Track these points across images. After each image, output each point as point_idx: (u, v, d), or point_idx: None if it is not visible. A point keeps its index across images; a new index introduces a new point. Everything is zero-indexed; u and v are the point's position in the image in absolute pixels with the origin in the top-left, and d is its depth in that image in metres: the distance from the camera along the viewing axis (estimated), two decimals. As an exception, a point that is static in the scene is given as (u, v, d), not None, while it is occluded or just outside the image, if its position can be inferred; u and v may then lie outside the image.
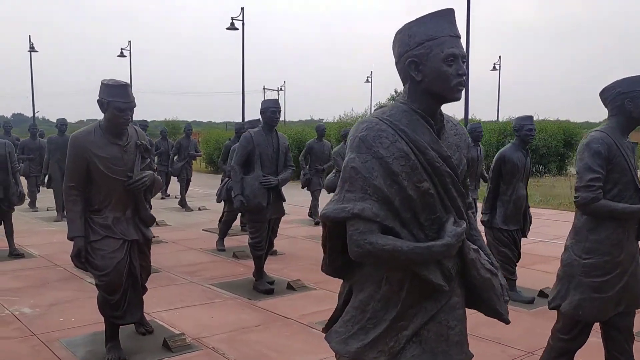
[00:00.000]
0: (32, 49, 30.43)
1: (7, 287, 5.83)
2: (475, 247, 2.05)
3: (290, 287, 5.77)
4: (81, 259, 3.79)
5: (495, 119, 34.52)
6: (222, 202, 8.17)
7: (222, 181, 8.29)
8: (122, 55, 31.98)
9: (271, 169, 5.59)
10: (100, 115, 3.95)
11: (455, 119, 2.15)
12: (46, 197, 12.32)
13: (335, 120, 34.75)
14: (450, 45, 1.85)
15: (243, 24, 23.06)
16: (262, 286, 5.65)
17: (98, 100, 3.84)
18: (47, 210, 11.68)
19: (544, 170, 20.29)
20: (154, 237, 4.21)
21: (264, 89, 57.89)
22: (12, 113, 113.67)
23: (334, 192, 2.09)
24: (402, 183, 1.83)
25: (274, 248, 7.26)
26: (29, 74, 30.28)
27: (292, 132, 21.49)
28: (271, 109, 5.53)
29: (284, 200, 5.77)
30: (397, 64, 1.97)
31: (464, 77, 1.89)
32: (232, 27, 22.88)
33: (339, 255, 2.05)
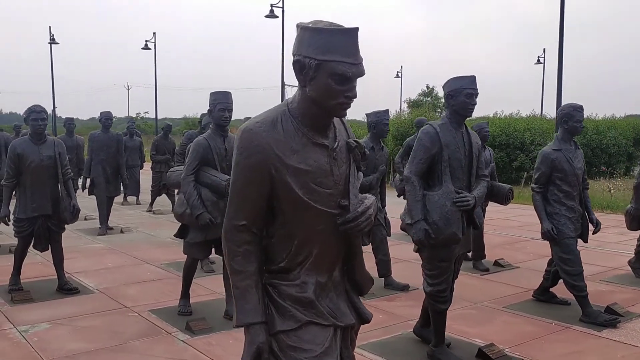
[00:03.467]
0: (52, 40, 28.76)
1: (70, 352, 4.04)
2: None
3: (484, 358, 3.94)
4: None
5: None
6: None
7: None
8: (146, 47, 30.26)
9: (463, 181, 3.75)
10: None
11: None
12: (82, 202, 10.57)
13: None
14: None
15: (283, 12, 21.22)
16: (447, 357, 3.84)
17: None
18: (86, 219, 9.90)
19: (610, 171, 18.19)
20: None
21: (282, 84, 56.05)
22: (24, 110, 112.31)
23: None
24: None
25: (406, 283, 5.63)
26: (45, 68, 28.63)
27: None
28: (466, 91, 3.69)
29: (477, 228, 3.93)
30: None
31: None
32: (271, 15, 21.04)
33: None
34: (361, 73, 1.95)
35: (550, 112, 25.17)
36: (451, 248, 3.70)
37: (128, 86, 74.14)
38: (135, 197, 12.56)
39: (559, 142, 4.82)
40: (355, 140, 2.14)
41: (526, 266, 6.78)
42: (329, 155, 2.02)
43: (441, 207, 3.63)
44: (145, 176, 13.06)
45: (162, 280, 6.02)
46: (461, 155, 3.72)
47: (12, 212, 5.37)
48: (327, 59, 1.84)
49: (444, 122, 3.76)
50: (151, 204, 11.55)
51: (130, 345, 4.14)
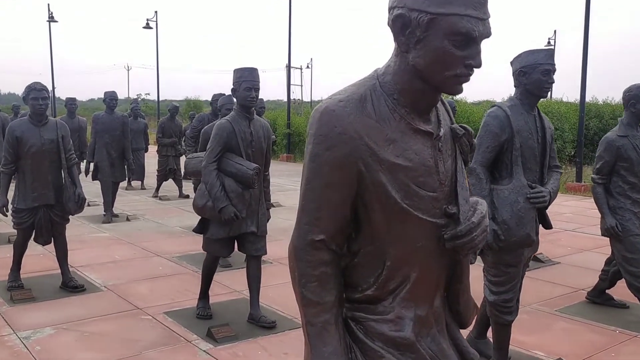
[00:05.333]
0: (51, 18, 27.89)
1: (77, 362, 3.54)
2: None
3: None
4: None
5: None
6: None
7: None
8: (147, 27, 29.43)
9: (536, 173, 3.21)
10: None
11: None
12: (85, 188, 10.04)
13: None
14: None
15: (290, -10, 20.41)
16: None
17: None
18: (89, 205, 9.32)
19: None
20: None
21: (287, 67, 55.24)
22: (22, 90, 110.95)
23: None
24: None
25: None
26: (44, 47, 27.82)
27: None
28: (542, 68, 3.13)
29: (549, 228, 3.39)
30: None
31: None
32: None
33: None
34: (489, 33, 1.41)
35: (570, 95, 24.48)
36: (521, 251, 3.18)
37: (128, 67, 72.98)
38: (140, 182, 12.03)
39: (624, 128, 4.28)
40: (461, 126, 1.61)
41: (566, 261, 6.28)
42: (433, 146, 1.48)
43: (512, 204, 3.09)
44: (150, 160, 12.51)
45: (176, 276, 5.51)
46: (534, 142, 3.17)
47: (10, 201, 4.84)
48: (446, 12, 1.33)
49: (514, 104, 3.21)
50: (157, 189, 11.02)
51: (146, 357, 3.64)
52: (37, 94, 4.74)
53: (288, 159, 19.88)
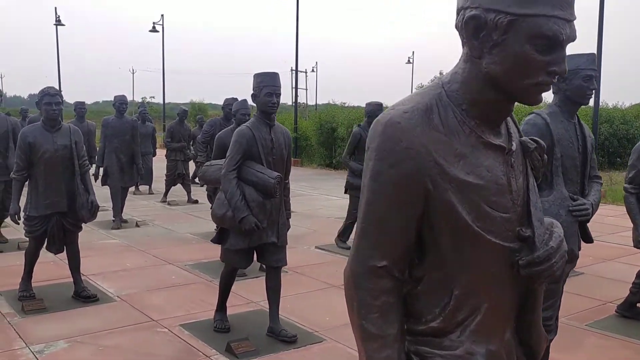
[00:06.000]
0: (58, 22, 27.88)
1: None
2: None
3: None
4: None
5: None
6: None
7: None
8: (154, 30, 29.36)
9: (577, 184, 3.06)
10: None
11: None
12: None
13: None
14: None
15: (298, -7, 20.29)
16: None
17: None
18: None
19: None
20: None
21: (292, 70, 55.23)
22: (28, 94, 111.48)
23: None
24: None
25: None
26: (49, 51, 27.76)
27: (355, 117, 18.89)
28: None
29: (590, 241, 3.24)
30: None
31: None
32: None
33: None
34: (574, 36, 1.28)
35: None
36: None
37: (133, 70, 73.13)
38: (147, 187, 11.91)
39: None
40: (532, 139, 1.46)
41: (590, 272, 6.11)
42: (505, 161, 1.34)
43: (554, 217, 2.94)
44: (157, 164, 12.39)
45: (190, 286, 5.37)
46: (575, 152, 3.03)
47: (22, 208, 4.71)
48: (530, 13, 1.19)
49: (553, 111, 3.06)
50: (165, 194, 10.90)
51: (165, 373, 3.50)
52: (50, 98, 4.62)
53: (295, 164, 19.72)
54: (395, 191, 1.27)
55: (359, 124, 6.93)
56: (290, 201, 4.34)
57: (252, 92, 4.02)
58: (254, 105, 4.07)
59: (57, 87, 5.06)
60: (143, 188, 11.99)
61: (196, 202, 10.68)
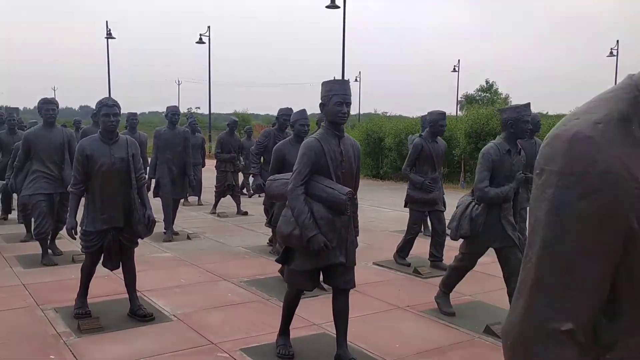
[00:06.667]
0: (109, 35, 28.64)
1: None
2: None
3: None
4: None
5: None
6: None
7: None
8: (200, 42, 29.79)
9: None
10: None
11: None
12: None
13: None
14: None
15: (344, 1, 20.12)
16: None
17: None
18: (148, 222, 9.16)
19: None
20: None
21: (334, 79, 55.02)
22: (79, 105, 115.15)
23: None
24: None
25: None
26: (98, 63, 28.53)
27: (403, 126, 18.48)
28: None
29: None
30: None
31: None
32: (332, 5, 19.99)
33: None
34: None
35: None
36: None
37: (179, 81, 74.67)
38: (196, 197, 11.84)
39: None
40: None
41: None
42: None
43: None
44: (206, 174, 12.32)
45: (247, 305, 5.12)
46: None
47: (79, 223, 4.58)
48: None
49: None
50: (215, 205, 10.78)
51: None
52: (108, 109, 4.48)
53: (341, 174, 19.43)
54: (587, 230, 0.94)
55: (420, 134, 6.57)
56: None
57: (320, 101, 3.76)
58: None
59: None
60: (192, 199, 11.93)
61: (246, 213, 10.52)
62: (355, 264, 3.88)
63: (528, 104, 4.55)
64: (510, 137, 4.54)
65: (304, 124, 5.71)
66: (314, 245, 3.53)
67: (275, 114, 7.73)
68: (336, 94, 3.66)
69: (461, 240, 4.77)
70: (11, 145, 8.10)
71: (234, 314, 4.87)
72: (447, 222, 6.54)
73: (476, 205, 4.57)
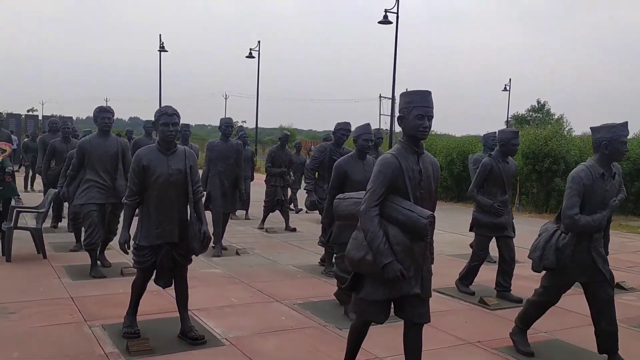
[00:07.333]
0: (162, 48, 29.19)
1: None
2: None
3: None
4: None
5: None
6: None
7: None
8: (250, 56, 30.02)
9: None
10: None
11: None
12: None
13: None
14: None
15: (397, 17, 19.81)
16: None
17: None
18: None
19: None
20: None
21: (380, 97, 54.78)
22: (128, 117, 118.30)
23: None
24: None
25: None
26: (148, 75, 29.11)
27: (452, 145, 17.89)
28: None
29: None
30: None
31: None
32: (385, 21, 19.71)
33: None
34: None
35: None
36: None
37: (226, 95, 75.81)
38: (244, 211, 11.62)
39: None
40: None
41: None
42: None
43: None
44: (254, 188, 12.12)
45: (302, 331, 4.77)
46: None
47: (132, 237, 4.35)
48: None
49: None
50: (263, 220, 10.53)
51: None
52: (167, 118, 4.25)
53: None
54: None
55: (490, 154, 6.12)
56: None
57: (398, 113, 3.40)
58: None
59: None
60: (239, 213, 11.71)
61: (294, 230, 10.22)
62: (430, 296, 3.48)
63: (625, 123, 4.07)
64: (603, 159, 4.07)
65: (367, 139, 5.36)
66: (389, 273, 3.16)
67: (319, 130, 7.45)
68: (417, 106, 3.31)
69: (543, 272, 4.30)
70: (65, 154, 8.09)
71: (288, 340, 4.53)
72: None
73: (562, 234, 4.11)
